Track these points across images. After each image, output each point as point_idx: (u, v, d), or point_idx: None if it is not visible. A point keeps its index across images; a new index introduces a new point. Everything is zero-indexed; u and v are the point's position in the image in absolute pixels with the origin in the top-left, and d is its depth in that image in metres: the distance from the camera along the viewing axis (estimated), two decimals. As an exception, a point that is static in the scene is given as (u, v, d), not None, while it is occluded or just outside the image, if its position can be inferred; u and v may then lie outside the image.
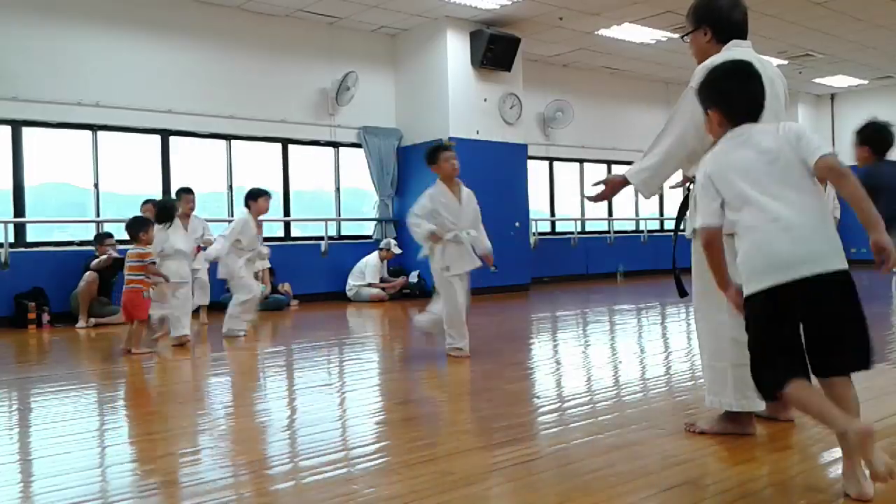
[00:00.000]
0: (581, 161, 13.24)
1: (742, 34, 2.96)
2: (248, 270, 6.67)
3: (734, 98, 2.35)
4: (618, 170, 10.55)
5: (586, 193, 3.54)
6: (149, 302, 5.89)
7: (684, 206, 3.03)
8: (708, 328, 2.93)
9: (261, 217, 6.80)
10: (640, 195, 3.44)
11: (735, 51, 2.90)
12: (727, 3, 2.97)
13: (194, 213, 7.94)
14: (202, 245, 7.76)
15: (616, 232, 13.72)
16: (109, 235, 8.02)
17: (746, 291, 2.19)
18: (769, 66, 2.96)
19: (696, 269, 2.96)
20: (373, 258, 10.07)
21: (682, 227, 3.07)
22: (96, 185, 8.67)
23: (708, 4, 3.01)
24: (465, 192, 5.18)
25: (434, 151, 5.14)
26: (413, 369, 4.97)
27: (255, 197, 6.63)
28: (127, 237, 6.00)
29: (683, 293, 3.16)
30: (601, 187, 3.14)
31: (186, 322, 6.11)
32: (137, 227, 5.91)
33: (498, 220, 10.17)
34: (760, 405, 2.83)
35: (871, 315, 2.18)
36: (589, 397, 3.86)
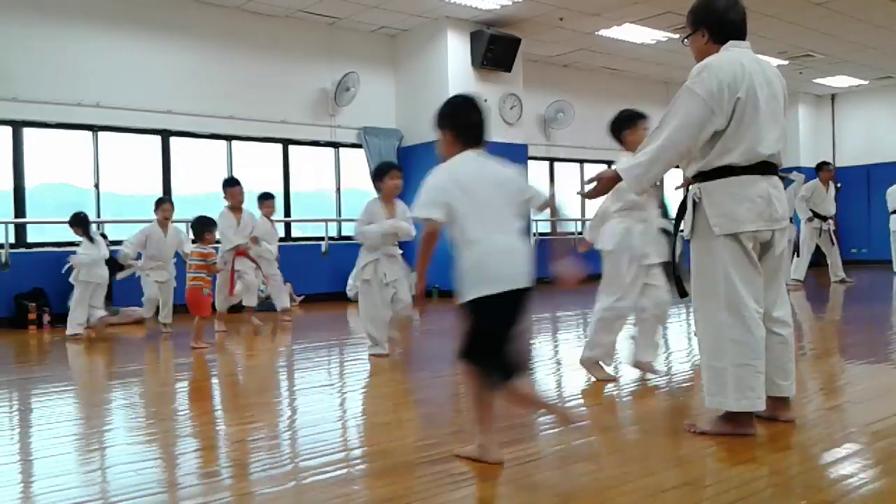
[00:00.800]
0: (581, 161, 13.24)
1: (740, 35, 2.97)
2: (383, 271, 5.12)
3: (469, 125, 2.74)
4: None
5: (580, 191, 3.49)
6: (210, 298, 5.97)
7: (683, 207, 3.04)
8: (707, 328, 2.93)
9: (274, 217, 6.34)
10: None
11: (733, 51, 2.91)
12: (723, 4, 2.98)
13: (245, 206, 7.30)
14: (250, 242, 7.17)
15: (616, 232, 13.71)
16: (102, 236, 8.00)
17: (477, 294, 2.49)
18: (768, 66, 2.97)
19: (695, 270, 2.96)
20: (373, 259, 10.03)
21: (681, 227, 3.07)
22: (97, 186, 8.67)
23: (705, 6, 3.02)
24: None
25: (628, 121, 4.56)
26: (413, 369, 4.97)
27: (382, 175, 5.21)
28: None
29: (684, 293, 3.17)
30: (595, 184, 3.17)
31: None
32: (202, 227, 5.94)
33: (498, 221, 10.19)
34: (760, 405, 2.83)
35: (871, 315, 2.18)
36: (589, 397, 3.86)
